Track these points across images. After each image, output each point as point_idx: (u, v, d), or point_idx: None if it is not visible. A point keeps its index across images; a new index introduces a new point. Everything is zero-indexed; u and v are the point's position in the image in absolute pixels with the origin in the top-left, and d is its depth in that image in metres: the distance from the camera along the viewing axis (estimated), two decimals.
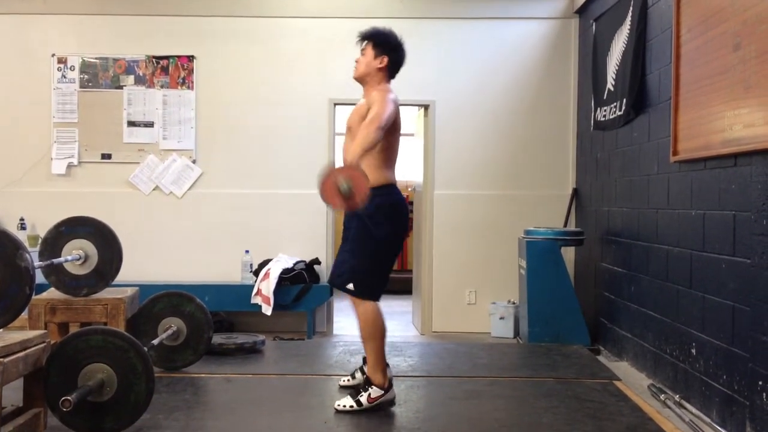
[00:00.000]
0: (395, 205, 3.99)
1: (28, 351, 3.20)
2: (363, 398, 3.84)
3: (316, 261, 6.82)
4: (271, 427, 3.73)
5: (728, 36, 3.73)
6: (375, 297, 3.95)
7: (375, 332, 3.91)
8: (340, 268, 4.01)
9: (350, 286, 3.89)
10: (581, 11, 6.79)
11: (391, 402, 3.97)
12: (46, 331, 3.51)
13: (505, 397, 4.24)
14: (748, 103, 3.51)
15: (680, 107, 4.36)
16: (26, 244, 5.00)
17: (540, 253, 6.03)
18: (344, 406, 3.85)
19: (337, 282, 4.00)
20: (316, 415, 3.85)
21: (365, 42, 4.15)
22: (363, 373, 4.22)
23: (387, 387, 3.95)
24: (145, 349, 3.48)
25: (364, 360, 4.20)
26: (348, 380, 4.39)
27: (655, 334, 4.81)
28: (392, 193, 4.00)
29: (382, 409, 3.90)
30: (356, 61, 4.18)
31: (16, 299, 3.21)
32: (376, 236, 3.89)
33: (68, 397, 3.07)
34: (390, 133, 3.97)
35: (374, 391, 3.87)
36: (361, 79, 4.15)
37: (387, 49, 4.10)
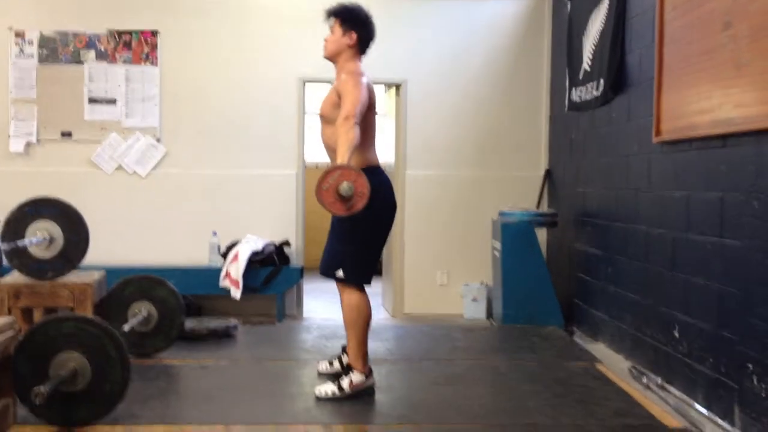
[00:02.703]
0: (379, 187, 3.86)
1: None
2: (344, 384, 3.75)
3: (286, 243, 6.67)
4: (253, 414, 3.60)
5: (717, 14, 3.66)
6: (365, 281, 3.87)
7: (359, 319, 3.83)
8: (329, 256, 3.92)
9: (339, 273, 3.79)
10: None
11: (371, 388, 3.88)
12: (13, 317, 3.33)
13: (488, 380, 4.19)
14: (740, 82, 3.46)
15: (664, 87, 4.30)
16: None
17: (515, 235, 5.97)
18: (326, 392, 3.74)
19: (327, 271, 3.90)
20: (297, 402, 3.74)
21: (332, 19, 4.05)
22: (341, 361, 4.14)
23: (368, 373, 3.86)
24: (120, 336, 3.32)
25: (344, 348, 4.11)
26: (327, 367, 4.29)
27: (634, 315, 4.77)
28: (375, 173, 3.88)
29: (363, 395, 3.80)
30: (325, 40, 4.07)
31: None
32: (363, 220, 3.75)
33: (40, 388, 2.91)
34: (364, 115, 3.86)
35: (356, 377, 3.78)
36: (331, 58, 4.05)
37: (355, 25, 3.99)
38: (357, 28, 3.99)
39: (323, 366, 4.31)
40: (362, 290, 3.87)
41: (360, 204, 3.49)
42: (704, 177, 3.87)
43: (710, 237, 3.79)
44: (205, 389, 3.96)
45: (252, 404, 3.74)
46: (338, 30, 4.00)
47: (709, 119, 3.75)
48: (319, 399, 3.75)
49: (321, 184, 3.44)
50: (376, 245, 3.93)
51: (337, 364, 4.17)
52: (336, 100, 3.86)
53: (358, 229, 3.82)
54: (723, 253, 3.67)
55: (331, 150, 3.95)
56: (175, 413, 3.55)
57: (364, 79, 3.90)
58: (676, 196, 4.18)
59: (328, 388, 3.76)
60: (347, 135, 3.61)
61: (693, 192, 4.00)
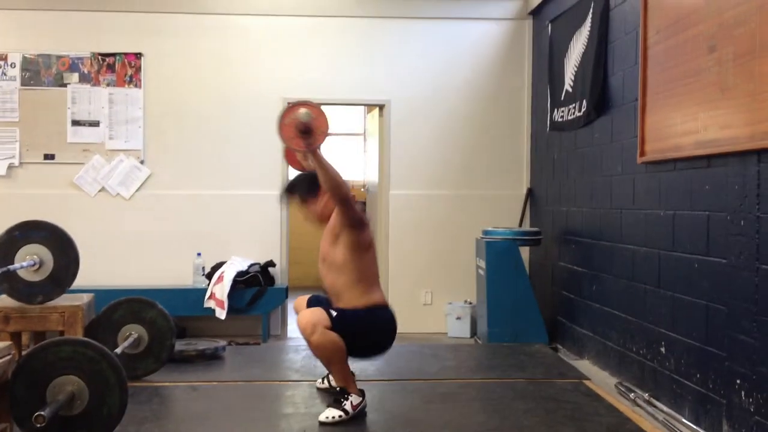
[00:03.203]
0: (383, 324, 3.95)
1: None
2: (347, 406, 3.74)
3: (271, 263, 6.68)
4: None
5: (702, 38, 3.76)
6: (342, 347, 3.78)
7: (337, 353, 3.75)
8: (327, 305, 3.94)
9: (333, 313, 3.78)
10: (535, 13, 6.83)
11: (363, 408, 3.89)
12: (10, 342, 3.31)
13: (481, 399, 4.22)
14: (725, 105, 3.55)
15: (648, 108, 4.39)
16: None
17: (499, 254, 6.03)
18: (332, 417, 3.72)
19: (327, 306, 3.89)
20: (292, 423, 3.74)
21: (295, 199, 4.13)
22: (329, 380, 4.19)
23: (362, 393, 3.88)
24: (118, 359, 3.31)
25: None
26: (323, 382, 4.34)
27: (619, 332, 4.85)
28: (381, 309, 3.95)
29: (359, 416, 3.81)
30: (306, 216, 4.15)
31: None
32: (362, 338, 3.84)
33: (42, 413, 2.90)
34: (364, 251, 3.90)
35: (354, 398, 3.79)
36: (327, 219, 4.06)
37: (314, 187, 4.00)
38: (318, 186, 3.96)
39: (320, 381, 4.39)
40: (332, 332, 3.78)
41: (319, 140, 3.53)
42: (689, 196, 3.96)
43: (697, 255, 3.87)
44: (199, 411, 3.96)
45: (248, 425, 3.74)
46: (311, 200, 4.05)
47: (694, 140, 3.84)
48: (324, 424, 3.73)
49: (283, 118, 3.51)
50: (358, 341, 3.86)
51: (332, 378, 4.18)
52: (335, 233, 3.89)
53: (357, 336, 3.82)
54: (709, 270, 3.76)
55: (336, 296, 3.97)
56: None
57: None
58: (662, 215, 4.27)
59: (334, 413, 3.73)
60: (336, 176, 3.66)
61: (678, 211, 4.08)
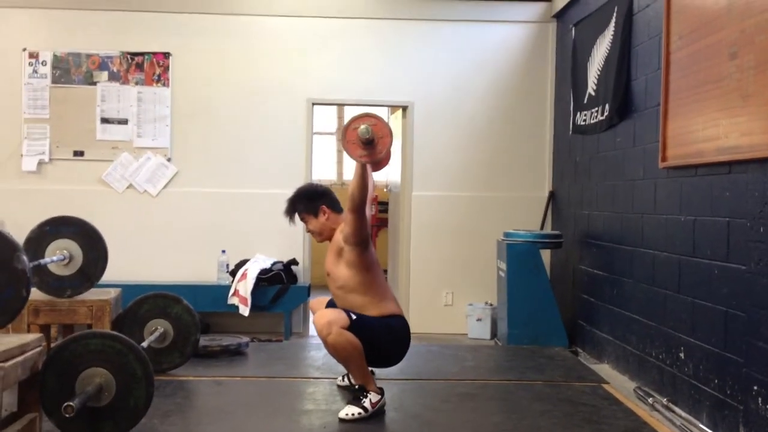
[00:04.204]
0: (398, 331, 4.05)
1: (26, 355, 3.10)
2: (366, 404, 3.81)
3: (294, 262, 6.76)
4: (271, 430, 3.68)
5: (724, 45, 3.78)
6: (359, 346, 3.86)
7: (354, 351, 3.83)
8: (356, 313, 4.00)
9: (353, 315, 3.86)
10: (559, 16, 6.85)
11: (382, 407, 3.95)
12: (41, 334, 3.41)
13: (499, 399, 4.26)
14: (746, 111, 3.57)
15: (669, 114, 4.41)
16: None
17: (520, 256, 6.06)
18: (352, 414, 3.79)
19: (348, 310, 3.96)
20: (313, 419, 3.81)
21: (297, 215, 4.20)
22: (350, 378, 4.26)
23: (381, 391, 3.94)
24: (145, 353, 3.40)
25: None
26: (344, 379, 4.41)
27: (639, 337, 4.87)
28: (395, 318, 4.05)
29: (378, 414, 3.88)
30: (310, 233, 4.26)
31: (12, 302, 3.11)
32: (378, 335, 3.93)
33: (71, 403, 2.99)
34: (365, 270, 3.99)
35: (373, 396, 3.85)
36: (329, 238, 4.17)
37: (316, 203, 4.13)
38: (319, 202, 4.12)
39: (340, 378, 4.47)
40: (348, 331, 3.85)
41: (384, 144, 3.66)
42: (710, 202, 3.98)
43: (716, 261, 3.89)
44: (222, 405, 4.04)
45: (269, 420, 3.82)
46: (311, 218, 4.16)
47: (715, 146, 3.86)
48: (344, 421, 3.79)
49: (347, 125, 3.68)
50: (374, 349, 3.94)
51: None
52: (337, 250, 4.01)
53: (374, 343, 3.90)
54: (729, 276, 3.77)
55: (346, 303, 4.04)
56: (196, 429, 3.63)
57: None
58: (682, 220, 4.29)
59: (353, 410, 3.80)
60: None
61: (699, 217, 4.10)
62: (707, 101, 3.95)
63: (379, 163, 4.04)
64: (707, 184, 4.01)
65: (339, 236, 4.01)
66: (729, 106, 3.72)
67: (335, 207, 4.19)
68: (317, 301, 4.35)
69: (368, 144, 3.63)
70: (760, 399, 3.44)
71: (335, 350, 3.84)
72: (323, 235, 4.17)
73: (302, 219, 4.20)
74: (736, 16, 3.69)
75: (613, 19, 5.40)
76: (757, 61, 3.49)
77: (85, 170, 6.75)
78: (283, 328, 6.61)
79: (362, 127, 3.57)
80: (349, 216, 3.84)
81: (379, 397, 3.88)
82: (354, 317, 3.84)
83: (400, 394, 4.27)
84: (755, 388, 3.49)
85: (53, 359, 3.26)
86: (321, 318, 3.82)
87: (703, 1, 4.02)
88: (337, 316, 3.81)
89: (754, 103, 3.51)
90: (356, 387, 3.95)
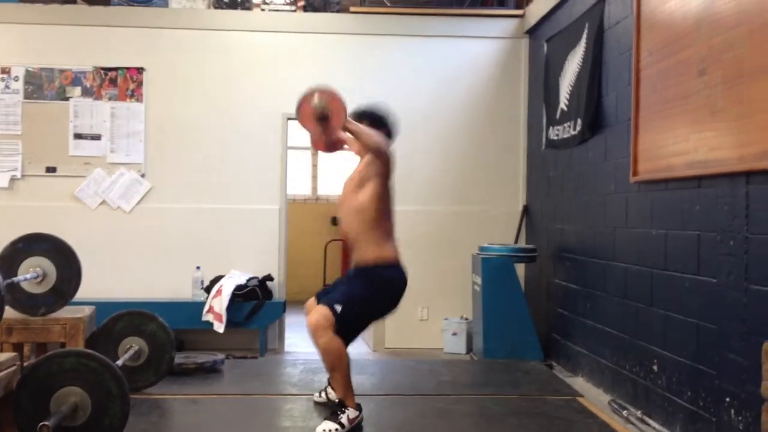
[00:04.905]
0: (392, 282, 4.06)
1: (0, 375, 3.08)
2: (344, 419, 3.81)
3: (269, 277, 6.75)
4: None
5: (693, 62, 3.86)
6: (348, 335, 3.91)
7: (340, 364, 3.86)
8: (334, 292, 4.01)
9: (338, 307, 3.86)
10: (531, 32, 6.93)
11: (360, 423, 3.96)
12: (16, 353, 3.38)
13: (475, 414, 4.28)
14: (715, 127, 3.64)
15: (640, 129, 4.48)
16: None
17: (495, 270, 6.10)
18: (329, 430, 3.78)
19: (327, 299, 3.95)
20: None
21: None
22: (327, 392, 4.26)
23: (359, 407, 3.95)
24: (120, 371, 3.38)
25: (329, 381, 4.19)
26: (320, 395, 4.40)
27: (612, 350, 4.91)
28: (391, 268, 4.06)
29: (355, 430, 3.88)
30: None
31: None
32: (370, 296, 3.95)
33: (46, 423, 2.97)
34: (382, 201, 4.05)
35: (351, 412, 3.85)
36: (357, 152, 4.20)
37: (381, 128, 4.16)
38: (384, 129, 4.19)
39: (317, 394, 4.46)
40: (339, 338, 3.87)
41: (338, 120, 3.66)
42: (680, 216, 4.04)
43: (687, 274, 3.94)
44: (198, 423, 4.02)
45: None
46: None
47: (685, 161, 3.92)
48: None
49: (303, 96, 3.70)
50: (368, 318, 4.06)
51: (331, 391, 4.24)
52: (361, 179, 4.03)
53: (367, 295, 3.95)
54: (700, 289, 3.83)
55: (353, 242, 4.09)
56: None
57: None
58: (654, 234, 4.34)
59: (331, 426, 3.79)
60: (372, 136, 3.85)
61: (670, 230, 4.16)
62: (677, 116, 4.02)
63: (334, 145, 4.12)
64: (678, 198, 4.08)
65: (367, 169, 4.04)
66: (698, 122, 3.79)
67: (387, 137, 4.21)
68: (311, 301, 4.31)
69: (322, 119, 3.63)
70: (732, 410, 3.49)
71: (324, 354, 3.87)
72: (355, 147, 4.15)
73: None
74: (704, 34, 3.76)
75: (584, 36, 5.47)
76: (724, 78, 3.56)
77: (58, 186, 6.70)
78: (258, 344, 6.59)
79: (317, 103, 3.58)
80: (376, 159, 3.98)
81: (357, 413, 3.88)
82: (339, 309, 3.84)
83: (377, 410, 4.27)
84: (727, 399, 3.54)
85: (27, 378, 3.23)
86: (311, 320, 3.87)
87: (673, 19, 4.10)
88: (324, 316, 3.81)
89: (722, 119, 3.58)
90: (335, 401, 3.95)
